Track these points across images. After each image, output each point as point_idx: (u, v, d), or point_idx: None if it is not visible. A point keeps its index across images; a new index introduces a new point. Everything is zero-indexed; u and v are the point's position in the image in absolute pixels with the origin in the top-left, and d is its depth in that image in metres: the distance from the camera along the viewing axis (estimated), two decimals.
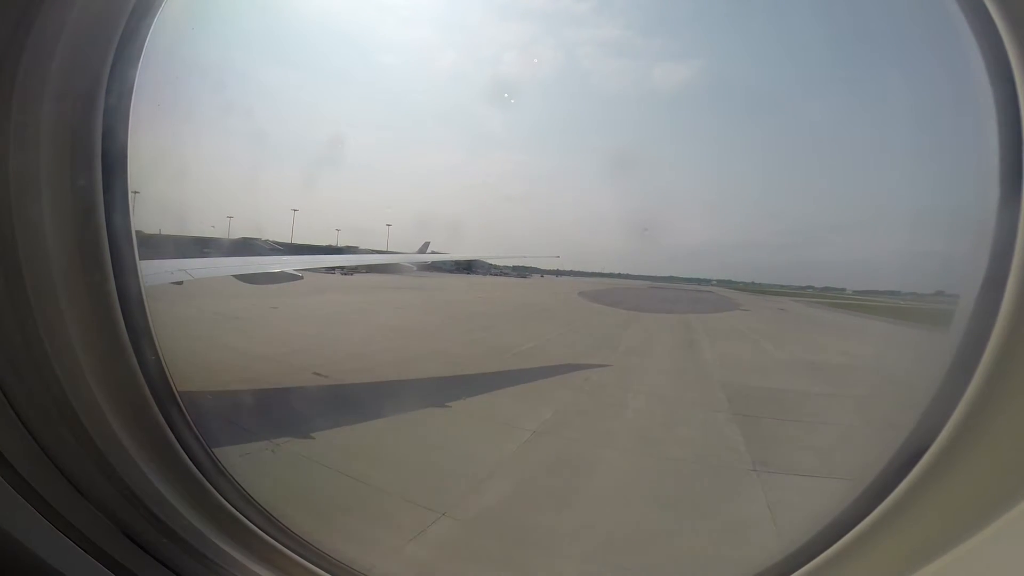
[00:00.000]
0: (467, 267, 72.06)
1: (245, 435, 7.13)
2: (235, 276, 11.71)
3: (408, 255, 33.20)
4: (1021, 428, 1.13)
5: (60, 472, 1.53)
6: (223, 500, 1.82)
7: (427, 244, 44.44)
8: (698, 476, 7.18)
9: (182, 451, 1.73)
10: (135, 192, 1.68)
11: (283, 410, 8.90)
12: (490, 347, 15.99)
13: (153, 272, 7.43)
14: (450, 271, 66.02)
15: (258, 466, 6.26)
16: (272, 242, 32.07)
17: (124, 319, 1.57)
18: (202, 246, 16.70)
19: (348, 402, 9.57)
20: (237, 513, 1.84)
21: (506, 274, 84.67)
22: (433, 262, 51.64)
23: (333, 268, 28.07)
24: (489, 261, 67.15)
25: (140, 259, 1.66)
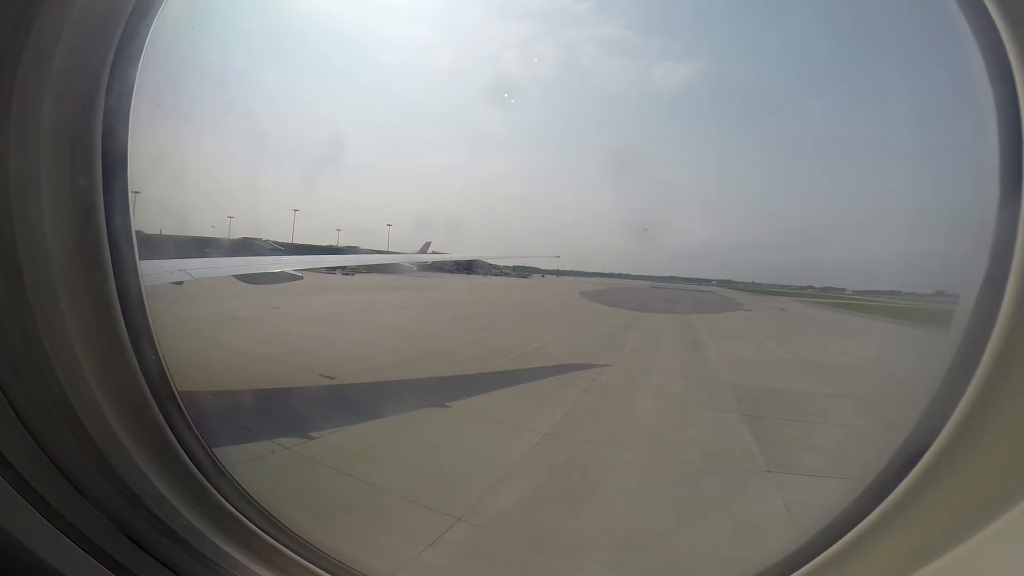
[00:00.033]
0: (467, 267, 72.13)
1: (247, 436, 7.12)
2: (235, 276, 11.71)
3: (409, 255, 33.22)
4: (1021, 428, 1.13)
5: (60, 472, 1.53)
6: (223, 500, 1.82)
7: (428, 244, 44.52)
8: (713, 477, 7.13)
9: (182, 451, 1.73)
10: (135, 192, 1.68)
11: (287, 411, 8.87)
12: (494, 348, 15.91)
13: (153, 272, 7.44)
14: (450, 271, 66.09)
15: (258, 466, 6.24)
16: (273, 242, 32.10)
17: (124, 319, 1.57)
18: (202, 246, 16.72)
19: (353, 403, 9.51)
20: (237, 513, 1.84)
21: (506, 274, 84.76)
22: (434, 262, 51.70)
23: (334, 268, 28.10)
24: (489, 261, 67.23)
25: (140, 259, 1.66)
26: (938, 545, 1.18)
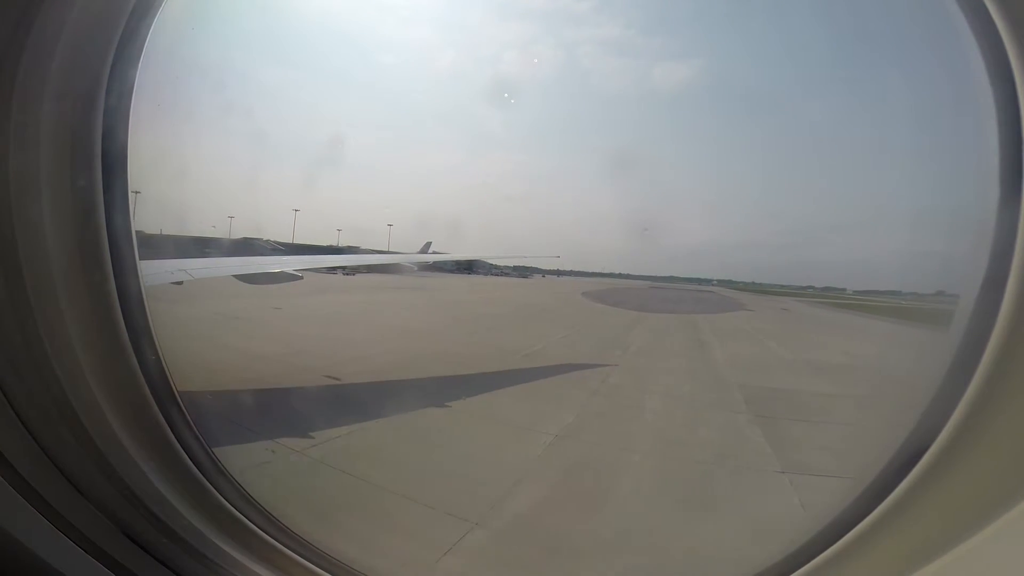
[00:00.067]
0: (468, 267, 72.12)
1: (248, 436, 7.11)
2: (235, 276, 11.70)
3: (410, 255, 33.23)
4: (1021, 428, 1.13)
5: (60, 472, 1.53)
6: (223, 500, 1.82)
7: (429, 244, 44.53)
8: (728, 479, 7.08)
9: (182, 451, 1.73)
10: (136, 192, 1.68)
11: (290, 411, 8.82)
12: (500, 348, 15.83)
13: (153, 272, 7.43)
14: (451, 271, 66.07)
15: (258, 466, 6.22)
16: (274, 242, 32.10)
17: (124, 319, 1.57)
18: (203, 246, 16.72)
19: (358, 404, 9.44)
20: (237, 513, 1.84)
21: (507, 274, 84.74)
22: (435, 262, 51.71)
23: (335, 268, 28.09)
24: (490, 261, 67.22)
25: (140, 259, 1.66)
26: (938, 545, 1.18)
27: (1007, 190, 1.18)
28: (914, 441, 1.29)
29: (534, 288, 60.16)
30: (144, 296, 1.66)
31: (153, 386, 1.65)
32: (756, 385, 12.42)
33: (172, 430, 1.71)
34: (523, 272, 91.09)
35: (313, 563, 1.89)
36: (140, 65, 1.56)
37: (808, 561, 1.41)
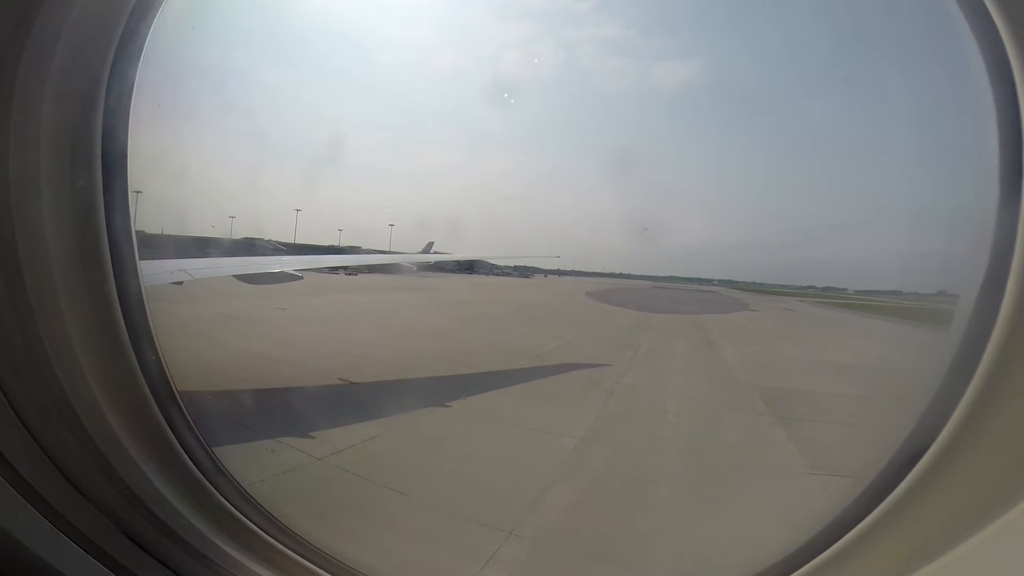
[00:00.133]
0: (469, 267, 72.15)
1: (249, 436, 7.09)
2: (235, 276, 11.68)
3: (412, 255, 33.23)
4: (1021, 428, 1.13)
5: (60, 472, 1.53)
6: (223, 500, 1.82)
7: (431, 244, 44.54)
8: (759, 481, 6.99)
9: (182, 451, 1.74)
10: (137, 192, 1.68)
11: (295, 412, 8.73)
12: (510, 349, 15.72)
13: (153, 272, 7.42)
14: (452, 271, 66.10)
15: (264, 466, 6.20)
16: (275, 242, 32.13)
17: (124, 319, 1.57)
18: (203, 246, 16.73)
19: (369, 405, 9.32)
20: (237, 513, 1.84)
21: (508, 274, 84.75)
22: (436, 262, 51.73)
23: (337, 268, 28.08)
24: (491, 261, 67.21)
25: (140, 259, 1.66)
26: (938, 545, 1.18)
27: (1007, 190, 1.18)
28: (914, 441, 1.29)
29: (536, 288, 60.04)
30: (144, 296, 1.66)
31: (153, 386, 1.65)
32: (772, 386, 12.34)
33: (172, 430, 1.71)
34: (524, 272, 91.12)
35: (313, 563, 1.89)
36: (140, 65, 1.56)
37: (808, 561, 1.41)
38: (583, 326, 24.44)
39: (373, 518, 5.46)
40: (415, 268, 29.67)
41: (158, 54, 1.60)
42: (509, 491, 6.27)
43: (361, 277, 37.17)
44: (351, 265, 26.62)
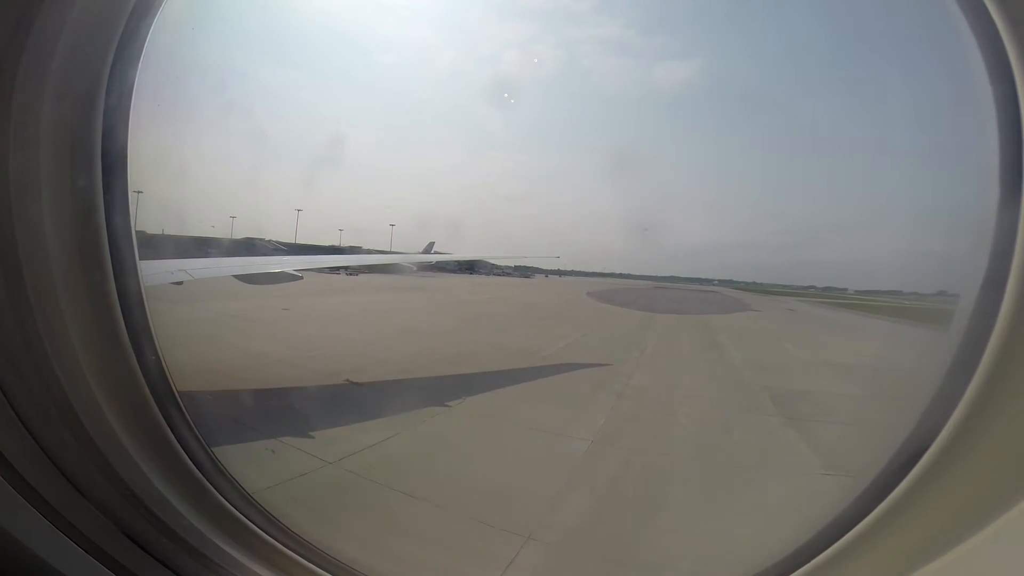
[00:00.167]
0: (470, 267, 72.15)
1: (251, 436, 7.08)
2: (235, 276, 11.67)
3: (413, 255, 33.22)
4: (1021, 428, 1.13)
5: (60, 472, 1.53)
6: (223, 500, 1.83)
7: (432, 244, 44.61)
8: (775, 483, 6.92)
9: (182, 451, 1.74)
10: (138, 192, 1.68)
11: (301, 412, 8.67)
12: (515, 350, 15.60)
13: (153, 272, 7.41)
14: (453, 271, 66.11)
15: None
16: (276, 242, 32.15)
17: (124, 319, 1.57)
18: (204, 246, 16.73)
19: (373, 406, 9.22)
20: (237, 513, 1.84)
21: (509, 274, 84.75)
22: (437, 262, 51.74)
23: (338, 268, 28.07)
24: (491, 261, 67.21)
25: (140, 259, 1.66)
26: (938, 545, 1.18)
27: (1007, 190, 1.18)
28: (914, 441, 1.29)
29: (537, 288, 59.88)
30: (144, 296, 1.66)
31: (153, 386, 1.65)
32: (781, 387, 12.26)
33: (172, 430, 1.71)
34: (525, 272, 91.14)
35: (313, 563, 1.89)
36: (140, 65, 1.56)
37: (808, 561, 1.41)
38: (587, 326, 24.32)
39: (379, 520, 5.42)
40: (415, 268, 29.66)
41: (158, 54, 1.60)
42: (524, 494, 6.21)
43: (362, 277, 37.15)
44: (352, 265, 26.61)
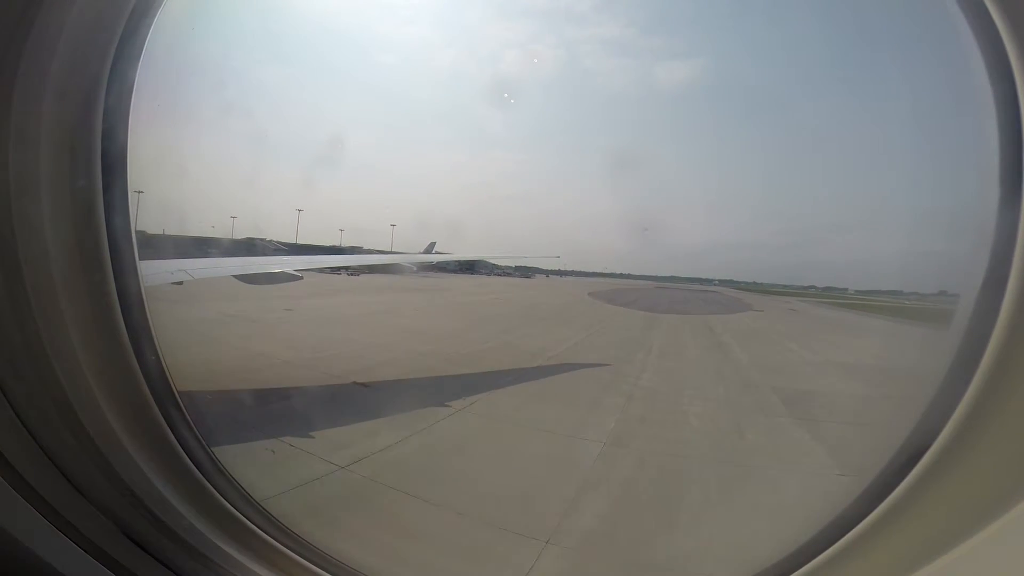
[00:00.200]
0: (470, 267, 72.10)
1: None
2: (235, 276, 11.67)
3: (414, 255, 33.22)
4: (1021, 428, 1.12)
5: (60, 472, 1.53)
6: (223, 500, 1.82)
7: (433, 244, 44.62)
8: (792, 484, 6.89)
9: (182, 451, 1.74)
10: (139, 192, 1.68)
11: (307, 412, 8.62)
12: (521, 351, 15.52)
13: (153, 272, 7.39)
14: (453, 271, 66.07)
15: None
16: (276, 242, 32.19)
17: (124, 319, 1.57)
18: (204, 246, 16.74)
19: (380, 407, 9.18)
20: (237, 513, 1.84)
21: (509, 274, 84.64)
22: (437, 262, 51.74)
23: (339, 268, 28.06)
24: (492, 261, 67.19)
25: (140, 259, 1.66)
26: (938, 545, 1.18)
27: (1007, 190, 1.18)
28: (914, 441, 1.29)
29: (539, 289, 59.71)
30: (144, 296, 1.66)
31: (153, 386, 1.65)
32: (789, 387, 12.25)
33: (172, 430, 1.71)
34: (526, 272, 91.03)
35: (313, 563, 1.89)
36: (140, 65, 1.56)
37: (808, 561, 1.41)
38: (592, 327, 24.25)
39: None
40: (415, 268, 29.68)
41: (158, 54, 1.60)
42: (539, 497, 6.19)
43: (363, 277, 37.11)
44: (352, 265, 26.60)
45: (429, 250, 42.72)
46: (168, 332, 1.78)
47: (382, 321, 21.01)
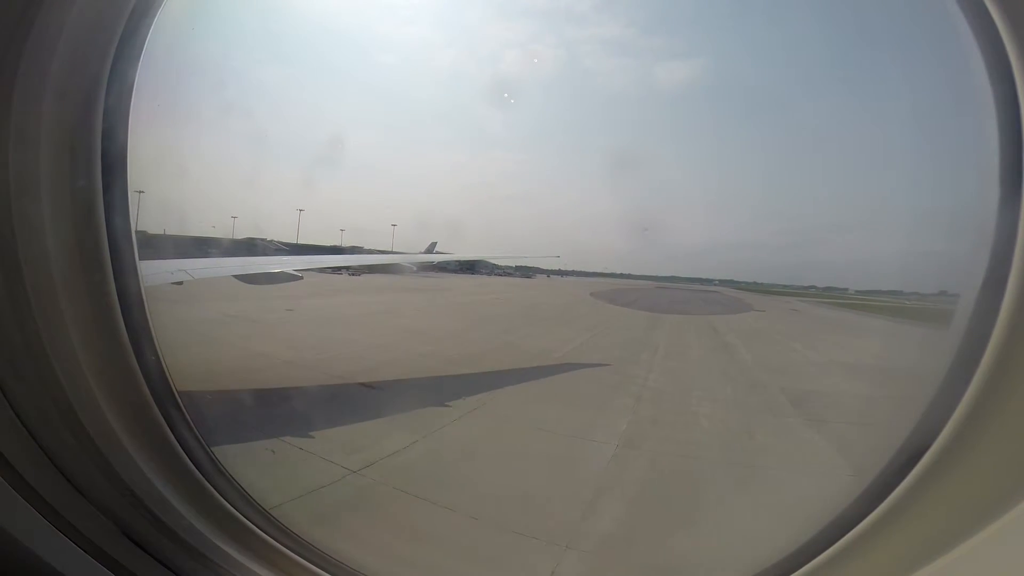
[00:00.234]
0: (471, 267, 72.04)
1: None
2: (235, 276, 11.66)
3: (415, 255, 33.20)
4: (1021, 428, 1.12)
5: (60, 472, 1.53)
6: (223, 500, 1.82)
7: (434, 244, 44.58)
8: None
9: (182, 451, 1.74)
10: (140, 192, 1.68)
11: (322, 415, 8.48)
12: (526, 352, 15.42)
13: (153, 272, 7.38)
14: (454, 271, 66.02)
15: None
16: (277, 242, 32.21)
17: (124, 319, 1.57)
18: (204, 246, 16.74)
19: (385, 408, 9.13)
20: (237, 513, 1.84)
21: (510, 274, 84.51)
22: (438, 262, 51.71)
23: (339, 268, 28.03)
24: (493, 261, 67.16)
25: (140, 259, 1.66)
26: (938, 545, 1.18)
27: (1007, 190, 1.18)
28: (914, 441, 1.29)
29: (540, 289, 59.49)
30: (144, 296, 1.66)
31: (153, 386, 1.65)
32: (795, 387, 12.21)
33: (172, 430, 1.71)
34: (526, 272, 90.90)
35: (313, 563, 1.89)
36: (140, 65, 1.56)
37: (808, 561, 1.41)
38: (596, 327, 24.14)
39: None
40: (415, 268, 29.65)
41: (158, 54, 1.60)
42: (555, 500, 6.14)
43: (365, 277, 37.03)
44: (353, 265, 26.58)
45: (430, 250, 42.69)
46: (168, 332, 1.78)
47: (383, 321, 20.95)
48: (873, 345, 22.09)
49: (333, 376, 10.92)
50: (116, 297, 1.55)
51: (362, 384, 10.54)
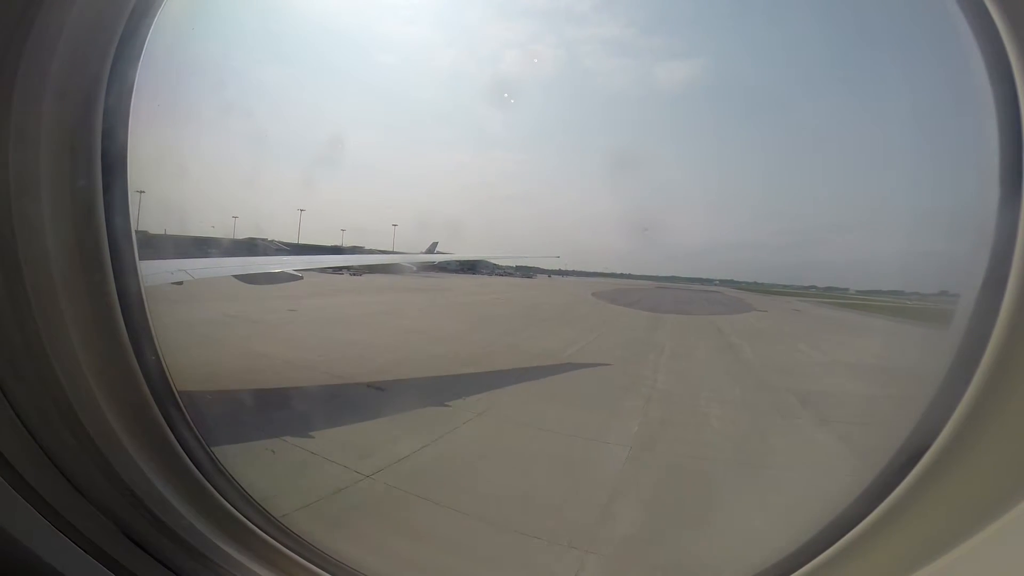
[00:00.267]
0: (471, 267, 71.99)
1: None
2: (235, 276, 11.65)
3: (416, 255, 33.17)
4: (1021, 428, 1.12)
5: (60, 472, 1.53)
6: (223, 500, 1.83)
7: (435, 244, 44.54)
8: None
9: (182, 451, 1.74)
10: (141, 192, 1.68)
11: (324, 416, 8.47)
12: (530, 352, 15.33)
13: (153, 272, 7.37)
14: (455, 271, 65.97)
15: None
16: (278, 242, 32.18)
17: (124, 319, 1.57)
18: (205, 246, 16.74)
19: (389, 409, 9.07)
20: (237, 513, 1.84)
21: (511, 274, 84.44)
22: (438, 262, 51.68)
23: (340, 268, 28.01)
24: (493, 261, 67.13)
25: (140, 259, 1.66)
26: (938, 545, 1.18)
27: (1007, 190, 1.18)
28: (914, 441, 1.29)
29: (541, 289, 59.30)
30: (144, 296, 1.66)
31: (153, 386, 1.65)
32: (803, 388, 12.16)
33: (172, 430, 1.71)
34: (527, 272, 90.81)
35: (313, 563, 1.89)
36: (140, 65, 1.56)
37: (808, 561, 1.41)
38: (600, 328, 24.03)
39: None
40: (415, 268, 29.63)
41: (158, 54, 1.60)
42: (572, 503, 6.10)
43: (366, 277, 36.98)
44: (353, 265, 26.56)
45: (431, 250, 42.66)
46: (168, 332, 1.78)
47: (384, 322, 20.88)
48: (875, 345, 22.05)
49: (332, 376, 10.91)
50: (116, 297, 1.55)
51: (368, 385, 10.51)
